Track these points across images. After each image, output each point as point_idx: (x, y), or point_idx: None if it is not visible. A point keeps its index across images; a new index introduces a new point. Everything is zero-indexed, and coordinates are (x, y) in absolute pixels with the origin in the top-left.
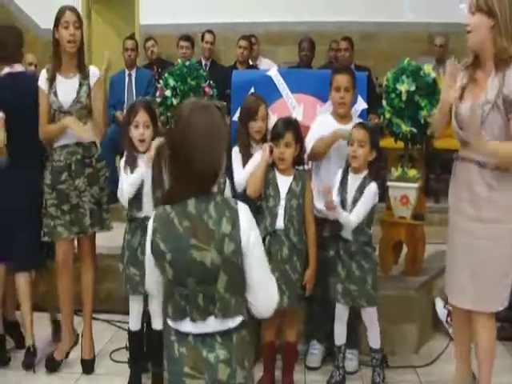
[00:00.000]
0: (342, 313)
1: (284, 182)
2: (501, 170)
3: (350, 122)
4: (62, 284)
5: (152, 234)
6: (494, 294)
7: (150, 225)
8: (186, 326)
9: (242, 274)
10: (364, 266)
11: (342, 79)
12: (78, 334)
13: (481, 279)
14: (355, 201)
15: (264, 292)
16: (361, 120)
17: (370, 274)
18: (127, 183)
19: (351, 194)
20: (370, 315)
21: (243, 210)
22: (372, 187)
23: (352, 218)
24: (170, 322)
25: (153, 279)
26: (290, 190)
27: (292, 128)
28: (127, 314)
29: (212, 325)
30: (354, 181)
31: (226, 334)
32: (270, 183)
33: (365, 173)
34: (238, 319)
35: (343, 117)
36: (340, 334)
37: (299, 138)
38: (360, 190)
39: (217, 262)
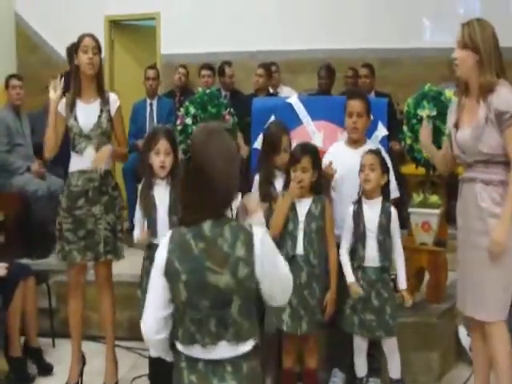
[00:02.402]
0: (360, 344)
1: (303, 204)
2: (503, 185)
3: (363, 146)
4: (71, 307)
5: (167, 254)
6: (495, 302)
7: (165, 244)
8: (197, 351)
9: (256, 299)
10: (383, 294)
11: (354, 104)
12: (83, 355)
13: (485, 289)
14: (381, 225)
15: (281, 288)
16: (374, 146)
17: (388, 303)
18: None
19: (374, 219)
20: (390, 346)
21: (259, 235)
22: (394, 212)
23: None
24: (179, 347)
25: (156, 301)
26: (309, 212)
27: (309, 153)
28: None
29: (223, 350)
30: (371, 207)
31: (236, 363)
32: (289, 208)
33: (380, 198)
34: (250, 343)
35: (356, 142)
36: (361, 366)
37: (316, 164)
38: (385, 214)
39: (231, 286)
